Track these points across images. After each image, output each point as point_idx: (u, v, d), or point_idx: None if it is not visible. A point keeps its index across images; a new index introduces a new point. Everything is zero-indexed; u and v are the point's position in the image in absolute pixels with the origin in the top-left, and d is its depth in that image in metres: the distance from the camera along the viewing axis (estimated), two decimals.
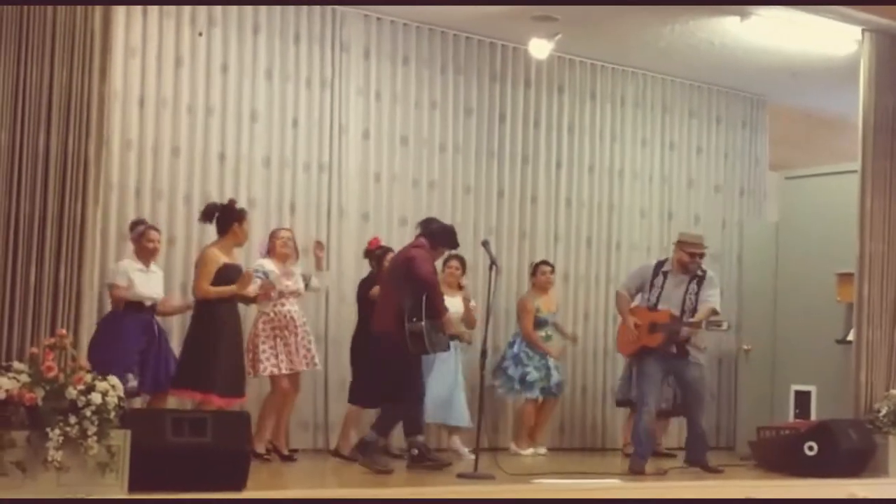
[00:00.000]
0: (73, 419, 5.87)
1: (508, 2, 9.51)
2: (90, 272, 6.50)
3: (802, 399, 10.33)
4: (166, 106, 9.24)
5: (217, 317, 8.20)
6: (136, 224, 8.49)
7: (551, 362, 10.14)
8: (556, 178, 11.11)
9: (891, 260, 9.38)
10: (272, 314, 8.66)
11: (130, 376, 7.81)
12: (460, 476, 8.03)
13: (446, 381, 9.45)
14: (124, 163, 9.05)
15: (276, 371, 8.61)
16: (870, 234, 9.31)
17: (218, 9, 9.45)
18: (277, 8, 9.70)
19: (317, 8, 9.88)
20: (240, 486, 6.41)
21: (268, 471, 8.08)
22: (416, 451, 8.38)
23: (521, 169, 10.92)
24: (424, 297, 8.13)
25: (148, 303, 8.27)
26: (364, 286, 9.21)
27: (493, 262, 8.29)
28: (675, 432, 10.75)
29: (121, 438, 6.04)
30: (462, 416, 9.55)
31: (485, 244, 8.73)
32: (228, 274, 8.25)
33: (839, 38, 9.79)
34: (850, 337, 9.64)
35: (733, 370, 11.67)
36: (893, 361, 9.35)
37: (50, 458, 5.79)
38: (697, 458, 8.82)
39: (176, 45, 9.30)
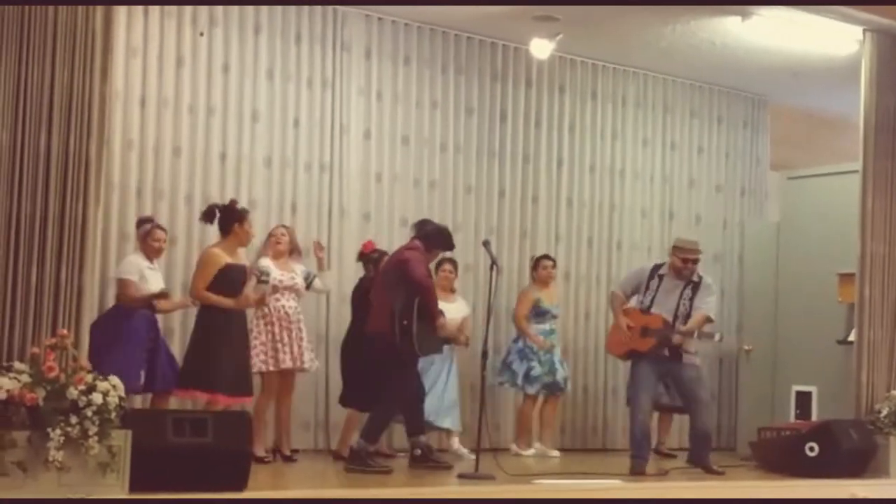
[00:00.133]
0: (73, 419, 5.87)
1: (510, 2, 9.50)
2: (91, 272, 6.49)
3: (803, 399, 10.32)
4: (167, 106, 9.24)
5: (223, 316, 8.14)
6: (142, 221, 8.44)
7: (556, 357, 10.12)
8: (558, 178, 11.10)
9: (892, 260, 9.38)
10: (266, 309, 8.59)
11: (142, 374, 7.82)
12: (461, 476, 8.03)
13: (437, 384, 9.40)
14: (125, 163, 9.04)
15: (263, 368, 8.54)
16: (871, 234, 9.31)
17: (219, 9, 9.45)
18: (279, 8, 9.70)
19: (318, 8, 9.88)
20: (240, 486, 6.40)
21: (268, 471, 8.07)
22: (418, 452, 8.37)
23: (522, 169, 10.91)
24: (417, 300, 8.09)
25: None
26: (357, 291, 9.11)
27: (493, 262, 8.25)
28: (676, 432, 10.75)
29: (122, 438, 6.04)
30: (450, 419, 9.46)
31: (486, 244, 8.71)
32: (231, 274, 8.19)
33: (840, 38, 9.79)
34: (852, 337, 9.64)
35: (734, 370, 11.66)
36: (894, 362, 9.35)
37: (51, 459, 5.79)
38: (699, 458, 8.81)
39: (177, 44, 9.29)
